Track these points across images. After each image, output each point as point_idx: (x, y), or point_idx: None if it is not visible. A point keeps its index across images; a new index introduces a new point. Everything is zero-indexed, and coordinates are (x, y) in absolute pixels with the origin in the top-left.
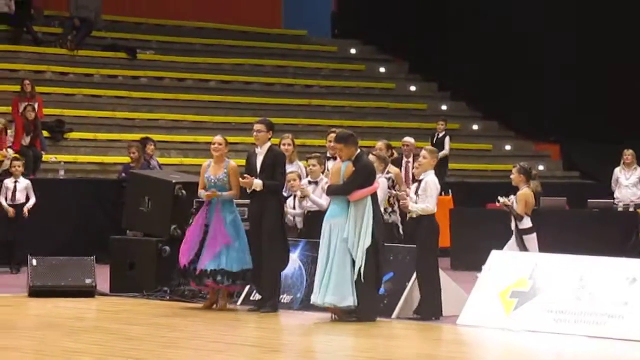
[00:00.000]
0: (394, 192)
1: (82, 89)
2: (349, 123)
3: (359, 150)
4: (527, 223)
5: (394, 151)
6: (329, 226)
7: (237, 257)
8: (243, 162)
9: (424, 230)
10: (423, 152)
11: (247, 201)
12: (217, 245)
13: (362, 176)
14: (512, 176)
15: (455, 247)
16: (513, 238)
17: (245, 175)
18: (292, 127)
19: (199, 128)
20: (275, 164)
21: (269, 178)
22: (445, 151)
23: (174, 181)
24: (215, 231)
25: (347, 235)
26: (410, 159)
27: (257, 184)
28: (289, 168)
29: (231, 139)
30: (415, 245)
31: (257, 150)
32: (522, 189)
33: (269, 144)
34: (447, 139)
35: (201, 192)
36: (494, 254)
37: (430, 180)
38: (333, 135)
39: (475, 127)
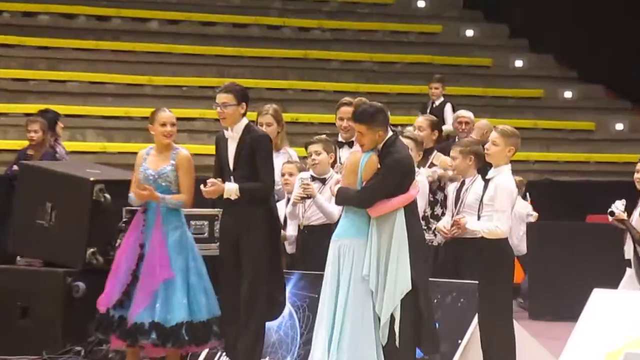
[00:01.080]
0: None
1: None
2: (369, 88)
3: (390, 134)
4: None
5: (438, 131)
6: (338, 250)
7: (177, 302)
8: (202, 149)
9: (490, 259)
10: (493, 135)
11: (213, 211)
12: (152, 284)
13: (391, 179)
14: (637, 175)
15: (534, 284)
16: (631, 271)
17: (210, 180)
18: (279, 94)
19: (131, 95)
20: (256, 153)
21: (249, 177)
22: (448, 126)
23: (91, 179)
24: (152, 258)
25: (367, 272)
26: None
27: (231, 190)
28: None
29: (180, 113)
30: (472, 281)
31: (228, 133)
32: None
33: (244, 122)
34: (447, 107)
35: (132, 195)
36: (598, 294)
37: (503, 182)
38: (347, 109)
39: (568, 94)
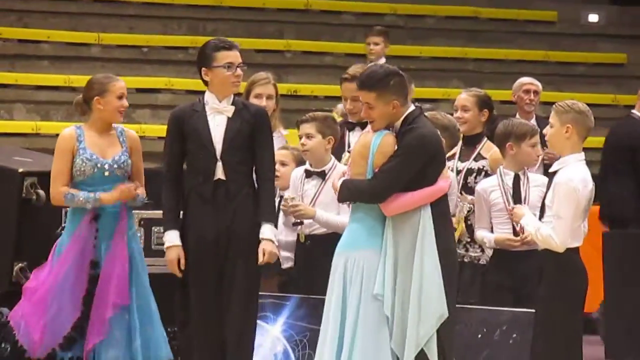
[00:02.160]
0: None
1: None
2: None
3: (412, 108)
4: None
5: (488, 110)
6: (344, 266)
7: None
8: (156, 129)
9: (549, 276)
10: (551, 114)
11: None
12: (108, 307)
13: (412, 162)
14: None
15: (612, 313)
16: None
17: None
18: (273, 57)
19: (74, 58)
20: (257, 134)
21: (243, 164)
22: None
23: (20, 170)
24: (109, 279)
25: (381, 290)
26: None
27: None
28: None
29: (139, 82)
30: (528, 310)
31: (214, 103)
32: None
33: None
34: None
35: (83, 195)
36: None
37: (564, 178)
38: (349, 85)
39: None
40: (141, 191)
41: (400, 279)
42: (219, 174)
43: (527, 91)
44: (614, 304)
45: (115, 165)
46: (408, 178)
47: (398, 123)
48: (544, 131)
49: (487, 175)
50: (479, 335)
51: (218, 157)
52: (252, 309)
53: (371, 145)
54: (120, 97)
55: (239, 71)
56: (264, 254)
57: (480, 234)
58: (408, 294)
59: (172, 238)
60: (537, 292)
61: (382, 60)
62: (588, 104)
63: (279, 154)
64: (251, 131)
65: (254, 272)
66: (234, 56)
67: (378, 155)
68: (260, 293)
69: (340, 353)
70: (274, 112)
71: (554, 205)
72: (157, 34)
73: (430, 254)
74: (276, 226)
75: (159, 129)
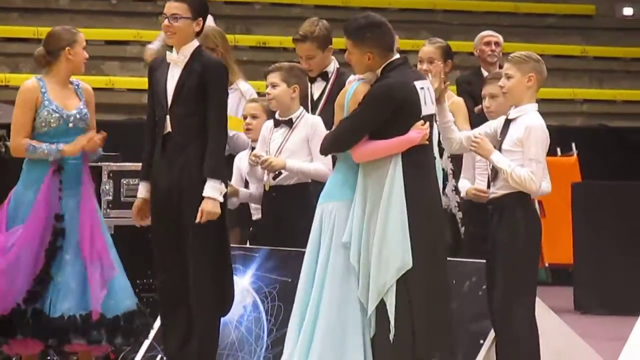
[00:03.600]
0: None
1: None
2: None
3: (395, 57)
4: None
5: (451, 60)
6: (320, 217)
7: (122, 285)
8: (138, 82)
9: (513, 226)
10: (505, 67)
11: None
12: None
13: (375, 109)
14: None
15: (581, 266)
16: None
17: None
18: (241, 9)
19: (42, 10)
20: (208, 86)
21: (190, 116)
22: None
23: None
24: (82, 235)
25: (348, 239)
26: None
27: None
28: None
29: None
30: (485, 261)
31: (171, 56)
32: None
33: (194, 43)
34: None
35: (46, 147)
36: None
37: (536, 123)
38: (301, 46)
39: (628, 10)
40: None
41: (367, 228)
42: (168, 127)
43: (488, 43)
44: (582, 254)
45: (78, 117)
46: (371, 126)
47: (378, 72)
48: (500, 83)
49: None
50: (453, 282)
51: (167, 107)
52: (206, 261)
53: (347, 94)
54: (84, 48)
55: (166, 22)
56: (202, 214)
57: (460, 183)
58: (368, 243)
59: (140, 190)
60: (496, 238)
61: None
62: (557, 55)
63: (249, 107)
64: (201, 84)
65: (205, 227)
66: (166, 7)
67: (351, 104)
68: (230, 245)
69: (309, 301)
70: (227, 63)
71: (530, 149)
72: None
73: (396, 204)
74: (225, 181)
75: (128, 81)
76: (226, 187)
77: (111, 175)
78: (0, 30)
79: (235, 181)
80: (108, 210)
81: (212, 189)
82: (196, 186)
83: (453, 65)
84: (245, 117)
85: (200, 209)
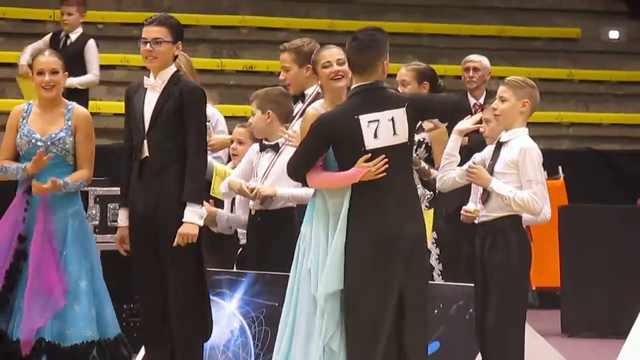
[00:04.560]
0: (424, 165)
1: None
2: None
3: (364, 83)
4: None
5: (429, 82)
6: (299, 242)
7: (83, 314)
8: (111, 106)
9: (507, 249)
10: (500, 90)
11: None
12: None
13: (310, 144)
14: None
15: (568, 288)
16: None
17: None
18: (228, 33)
19: (28, 35)
20: (185, 111)
21: (168, 140)
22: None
23: None
24: (41, 261)
25: (310, 265)
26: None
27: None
28: None
29: None
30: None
31: (148, 80)
32: None
33: (172, 68)
34: (90, 45)
35: (15, 166)
36: None
37: (530, 145)
38: (283, 56)
39: (613, 33)
40: (76, 176)
41: (325, 254)
42: (145, 151)
43: (467, 69)
44: (569, 278)
45: (49, 142)
46: (313, 157)
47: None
48: (493, 105)
49: (427, 147)
50: (435, 311)
51: (145, 131)
52: (184, 286)
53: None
54: (40, 73)
55: (147, 46)
56: (179, 237)
57: (465, 207)
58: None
59: (121, 217)
60: (490, 263)
61: (78, 33)
62: (543, 79)
63: (236, 132)
64: (178, 108)
65: (184, 252)
66: (145, 32)
67: (302, 130)
68: (216, 269)
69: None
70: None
71: (528, 171)
72: (112, 10)
73: (339, 235)
74: (202, 204)
75: (115, 106)
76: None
77: (97, 199)
78: None
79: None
80: (95, 235)
81: (192, 213)
82: (173, 211)
83: (433, 87)
84: (231, 142)
85: (178, 232)
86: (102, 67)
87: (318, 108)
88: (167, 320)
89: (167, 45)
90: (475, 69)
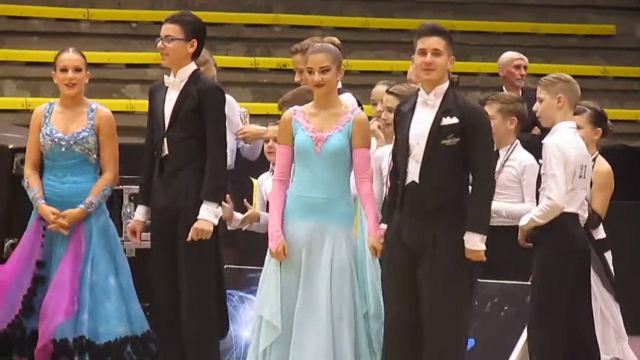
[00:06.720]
0: None
1: None
2: (381, 23)
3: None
4: None
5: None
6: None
7: (115, 310)
8: (145, 104)
9: (549, 248)
10: (538, 90)
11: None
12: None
13: None
14: None
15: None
16: None
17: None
18: (261, 32)
19: (63, 34)
20: (205, 110)
21: (188, 139)
22: None
23: (11, 146)
24: (60, 285)
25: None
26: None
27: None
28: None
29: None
30: (521, 282)
31: (168, 79)
32: None
33: (191, 66)
34: None
35: (32, 193)
36: None
37: (551, 142)
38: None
39: None
40: (99, 186)
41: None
42: (165, 150)
43: (518, 66)
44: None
45: (72, 142)
46: None
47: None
48: (534, 108)
49: None
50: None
51: (165, 130)
52: (201, 284)
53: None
54: (63, 70)
55: (160, 43)
56: (194, 232)
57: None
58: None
59: (138, 211)
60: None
61: None
62: (577, 76)
63: (272, 130)
64: (197, 107)
65: (199, 249)
66: (162, 28)
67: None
68: (249, 267)
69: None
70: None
71: (545, 166)
72: (145, 8)
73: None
74: (219, 202)
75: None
76: (228, 202)
77: (132, 198)
78: (21, 54)
79: (260, 205)
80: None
81: (207, 212)
82: (192, 209)
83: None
84: (267, 141)
85: (192, 227)
86: (136, 66)
87: (292, 110)
88: (182, 318)
89: (178, 42)
90: (525, 67)
